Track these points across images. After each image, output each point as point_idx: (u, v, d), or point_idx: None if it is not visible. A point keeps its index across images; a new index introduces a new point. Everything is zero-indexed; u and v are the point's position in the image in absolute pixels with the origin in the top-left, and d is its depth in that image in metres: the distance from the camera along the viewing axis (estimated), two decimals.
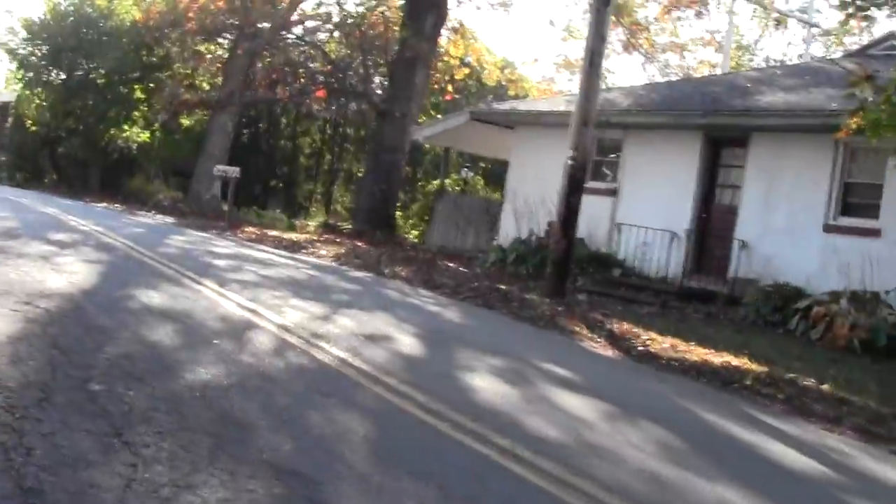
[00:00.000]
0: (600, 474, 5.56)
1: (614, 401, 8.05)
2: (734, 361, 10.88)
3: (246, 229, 24.77)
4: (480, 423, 6.24)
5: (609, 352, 11.28)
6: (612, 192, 20.21)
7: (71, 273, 10.12)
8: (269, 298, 10.78)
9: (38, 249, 11.70)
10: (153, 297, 9.56)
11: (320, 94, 36.37)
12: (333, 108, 41.67)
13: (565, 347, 11.39)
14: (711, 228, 18.74)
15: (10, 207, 18.70)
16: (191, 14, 34.56)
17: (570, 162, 15.52)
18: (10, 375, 5.63)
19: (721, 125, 18.73)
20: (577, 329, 12.47)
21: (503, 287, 15.75)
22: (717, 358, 11.01)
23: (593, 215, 18.52)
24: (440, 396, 6.89)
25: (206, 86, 40.57)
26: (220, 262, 14.53)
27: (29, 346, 6.43)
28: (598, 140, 19.67)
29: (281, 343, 8.23)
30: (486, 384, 7.81)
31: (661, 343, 11.74)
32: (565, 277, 15.71)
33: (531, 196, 21.55)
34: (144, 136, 43.77)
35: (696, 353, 11.28)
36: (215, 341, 7.81)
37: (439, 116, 35.28)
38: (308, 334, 8.73)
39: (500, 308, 13.77)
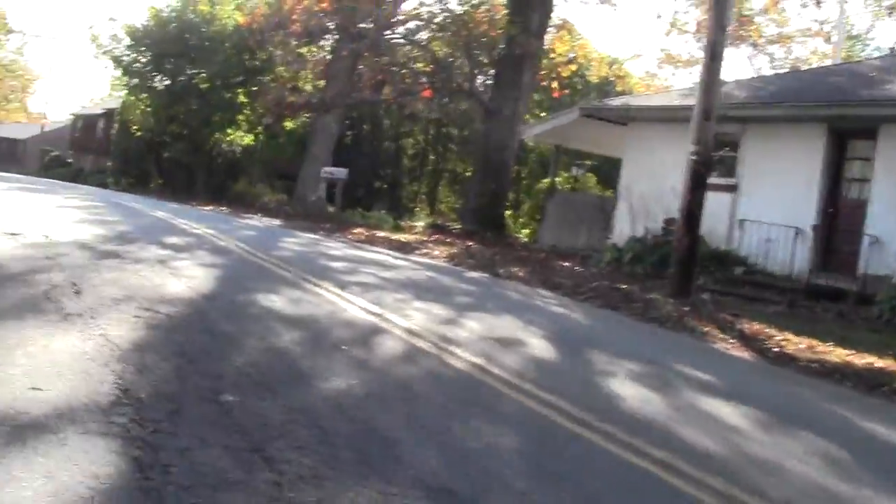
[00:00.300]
0: (771, 491, 5.24)
1: (763, 407, 7.70)
2: (878, 363, 10.45)
3: (354, 231, 24.97)
4: (634, 435, 5.99)
5: (743, 353, 10.96)
6: (731, 188, 19.84)
7: (189, 277, 10.14)
8: (392, 301, 10.62)
9: (154, 254, 11.83)
10: (275, 302, 9.49)
11: (427, 94, 36.54)
12: (437, 107, 41.85)
13: (698, 349, 11.11)
14: (839, 223, 18.24)
15: (122, 212, 19.16)
16: (295, 16, 35.05)
17: (692, 157, 15.26)
18: (140, 386, 5.54)
19: (847, 116, 18.22)
20: (707, 330, 12.21)
21: (624, 287, 15.49)
22: (860, 359, 10.60)
23: (711, 212, 17.92)
24: (586, 405, 6.64)
25: (308, 88, 41.18)
26: (336, 265, 14.48)
27: (155, 355, 6.36)
28: (714, 134, 19.21)
29: (411, 348, 8.03)
30: (629, 391, 7.56)
31: (797, 344, 11.39)
32: (690, 277, 15.41)
33: (646, 193, 21.40)
34: (248, 139, 44.68)
35: (836, 354, 10.88)
36: (344, 347, 7.63)
37: (543, 115, 35.08)
38: (437, 338, 8.54)
39: (624, 309, 13.55)
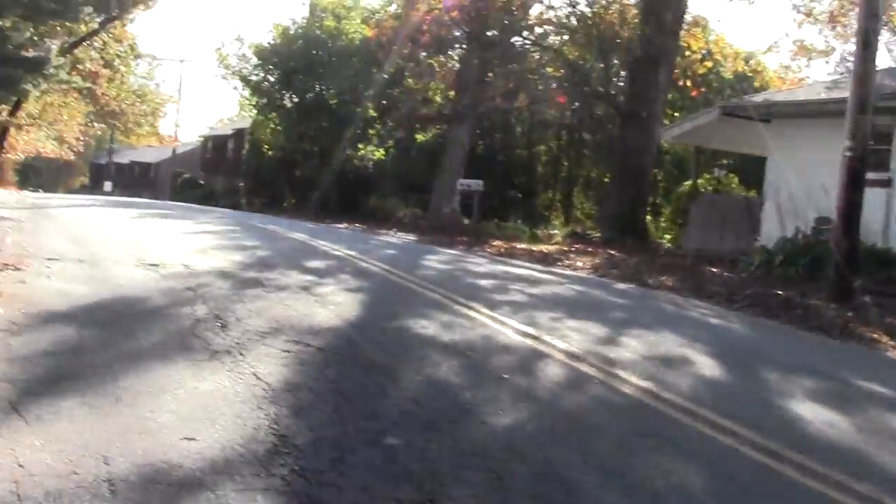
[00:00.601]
0: None
1: None
2: None
3: (492, 243, 24.82)
4: (828, 465, 5.60)
5: None
6: (885, 182, 19.03)
7: (336, 304, 10.00)
8: (545, 321, 10.26)
9: (297, 280, 11.77)
10: (426, 328, 9.24)
11: (560, 99, 36.24)
12: (568, 113, 41.45)
13: (872, 360, 10.60)
14: None
15: (259, 235, 19.37)
16: (424, 27, 35.27)
17: (847, 153, 14.71)
18: (297, 430, 5.34)
19: None
20: (875, 336, 11.70)
21: (780, 293, 14.91)
22: None
23: (864, 208, 17.14)
24: (769, 431, 6.26)
25: (438, 99, 41.35)
26: (483, 283, 14.18)
27: (309, 394, 6.16)
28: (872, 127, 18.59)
29: (574, 374, 7.65)
30: (811, 412, 7.13)
31: None
32: (850, 280, 14.73)
33: (794, 191, 20.76)
34: (379, 153, 45.13)
35: None
36: (505, 376, 7.30)
37: (677, 115, 34.28)
38: (600, 361, 8.17)
39: (783, 317, 13.04)
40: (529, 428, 5.93)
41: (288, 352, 7.38)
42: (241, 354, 7.11)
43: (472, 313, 10.41)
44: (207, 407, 5.64)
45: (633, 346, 9.29)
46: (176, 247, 14.55)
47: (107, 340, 7.18)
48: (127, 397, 5.66)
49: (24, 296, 8.51)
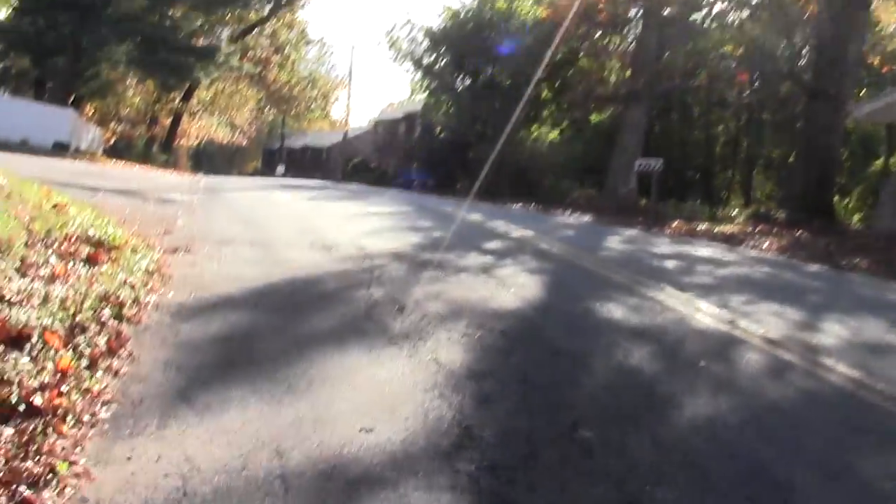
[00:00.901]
0: None
1: None
2: None
3: (671, 224, 24.44)
4: None
5: None
6: None
7: (517, 287, 9.71)
8: (738, 304, 9.79)
9: (476, 261, 11.53)
10: (613, 311, 8.84)
11: (742, 77, 35.16)
12: (746, 92, 40.11)
13: None
14: None
15: (434, 217, 19.28)
16: (601, 5, 34.81)
17: None
18: (483, 422, 5.04)
19: None
20: None
21: None
22: None
23: None
24: None
25: (612, 79, 40.72)
26: (667, 264, 13.72)
27: (494, 382, 5.87)
28: None
29: (775, 361, 7.14)
30: None
31: None
32: None
33: None
34: (553, 135, 44.74)
35: None
36: (701, 363, 6.85)
37: (862, 93, 32.68)
38: (801, 347, 7.69)
39: None
40: (733, 421, 5.48)
41: (470, 336, 7.11)
42: (421, 339, 6.87)
43: (659, 296, 9.95)
44: (386, 396, 5.41)
45: (834, 331, 8.75)
46: (349, 228, 14.52)
47: (279, 325, 7.05)
48: (301, 385, 5.48)
49: (195, 279, 8.51)
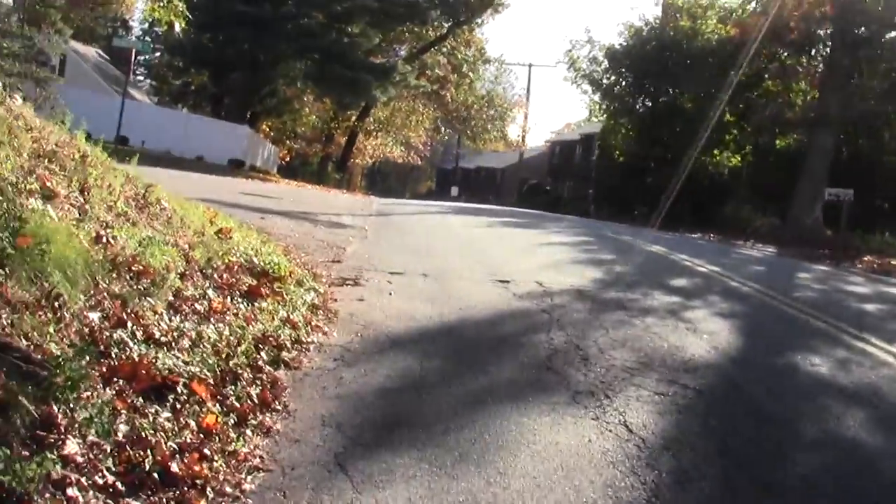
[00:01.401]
0: None
1: None
2: None
3: (863, 259, 23.12)
4: None
5: None
6: None
7: (709, 333, 8.92)
8: None
9: (662, 301, 10.75)
10: (818, 365, 7.95)
11: None
12: None
13: None
14: None
15: (614, 247, 18.51)
16: (792, 23, 33.44)
17: None
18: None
19: None
20: None
21: None
22: None
23: None
24: None
25: (799, 102, 39.03)
26: (869, 307, 12.67)
27: (693, 455, 5.16)
28: None
29: None
30: None
31: None
32: None
33: None
34: (734, 160, 43.22)
35: None
36: None
37: None
38: None
39: None
40: None
41: (662, 395, 6.43)
42: (608, 397, 6.23)
43: (868, 348, 9.01)
44: (570, 470, 4.79)
45: None
46: (526, 260, 13.92)
47: (452, 374, 6.53)
48: (474, 453, 4.90)
49: (362, 316, 8.10)
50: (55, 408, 3.96)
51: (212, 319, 6.29)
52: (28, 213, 5.47)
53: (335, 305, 8.41)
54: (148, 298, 5.90)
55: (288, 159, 62.41)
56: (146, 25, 67.88)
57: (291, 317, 7.18)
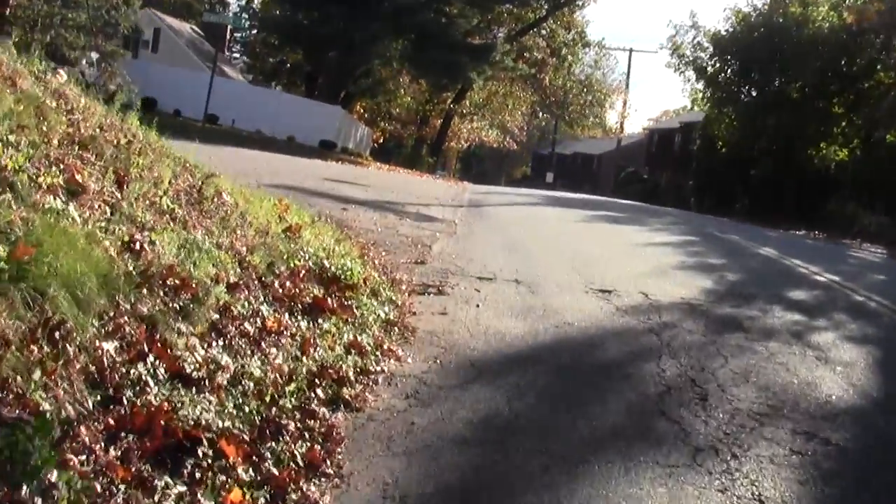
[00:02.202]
0: None
1: None
2: None
3: None
4: None
5: None
6: None
7: (843, 365, 7.63)
8: None
9: (783, 320, 9.38)
10: None
11: None
12: None
13: None
14: None
15: (721, 249, 17.06)
16: None
17: None
18: None
19: None
20: None
21: None
22: None
23: None
24: None
25: None
26: None
27: None
28: None
29: None
30: None
31: None
32: None
33: None
34: (842, 154, 41.30)
35: None
36: None
37: None
38: None
39: None
40: None
41: (800, 454, 5.28)
42: (735, 457, 5.10)
43: None
44: None
45: None
46: (628, 264, 12.54)
47: (546, 420, 5.42)
48: None
49: (443, 335, 7.02)
50: (25, 490, 3.00)
51: (263, 343, 5.31)
52: (39, 214, 4.53)
53: (414, 320, 7.36)
54: (183, 320, 4.93)
55: (381, 141, 61.70)
56: (243, 2, 67.70)
57: (359, 339, 6.16)
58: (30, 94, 6.03)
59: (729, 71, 44.79)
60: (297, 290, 6.59)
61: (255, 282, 6.32)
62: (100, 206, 5.38)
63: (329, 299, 6.72)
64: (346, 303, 6.87)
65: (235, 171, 16.79)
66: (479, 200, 22.80)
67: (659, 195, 50.95)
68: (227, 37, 57.14)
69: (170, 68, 40.95)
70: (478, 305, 8.30)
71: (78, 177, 5.43)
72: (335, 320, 6.34)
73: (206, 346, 4.87)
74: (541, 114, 73.31)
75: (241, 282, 6.07)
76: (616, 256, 13.30)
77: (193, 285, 5.28)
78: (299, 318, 6.14)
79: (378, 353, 6.14)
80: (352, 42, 41.19)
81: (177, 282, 5.19)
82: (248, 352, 5.11)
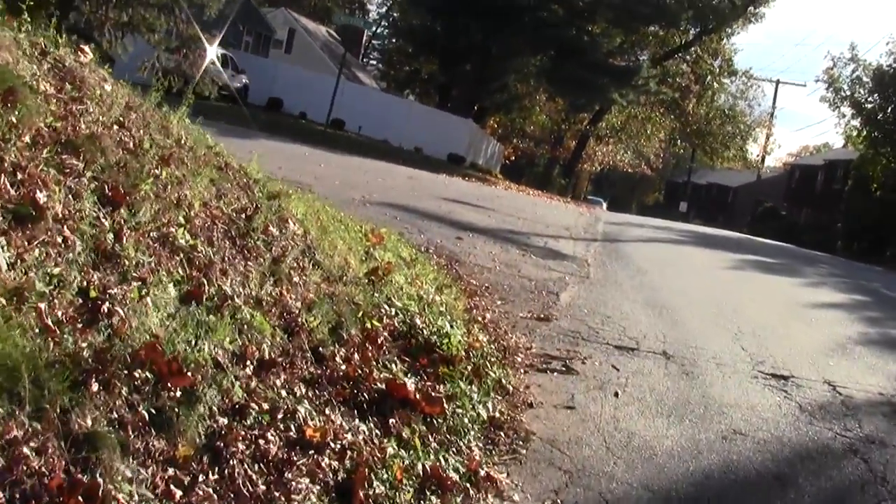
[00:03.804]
0: None
1: None
2: None
3: None
4: None
5: None
6: None
7: None
8: None
9: None
10: None
11: None
12: None
13: None
14: None
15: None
16: None
17: None
18: None
19: None
20: None
21: None
22: None
23: None
24: None
25: None
26: None
27: None
28: None
29: None
30: None
31: None
32: None
33: None
34: None
35: None
36: None
37: None
38: None
39: None
40: None
41: None
42: None
43: None
44: None
45: None
46: (799, 333, 10.09)
47: None
48: None
49: (569, 446, 4.89)
50: None
51: (289, 472, 3.34)
52: None
53: (529, 417, 5.27)
54: (156, 435, 2.99)
55: (513, 159, 59.79)
56: (383, 10, 66.68)
57: (444, 462, 4.12)
58: (3, 71, 4.20)
59: (889, 109, 41.41)
60: (366, 368, 4.60)
61: (306, 356, 4.35)
62: (65, 241, 3.49)
63: (410, 384, 4.70)
64: (435, 390, 4.83)
65: (343, 184, 14.98)
66: (615, 234, 20.23)
67: (798, 234, 47.80)
68: (363, 43, 56.07)
69: (300, 70, 39.80)
70: (616, 394, 6.12)
71: (41, 194, 3.55)
72: (413, 427, 4.30)
73: (188, 478, 2.92)
74: (679, 141, 70.06)
75: (280, 358, 4.11)
76: (782, 322, 10.75)
77: (188, 375, 3.34)
78: (360, 417, 4.14)
79: (470, 482, 4.07)
80: (489, 55, 39.46)
81: (164, 367, 3.26)
82: (261, 492, 3.14)
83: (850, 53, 43.78)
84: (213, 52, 28.16)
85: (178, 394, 3.28)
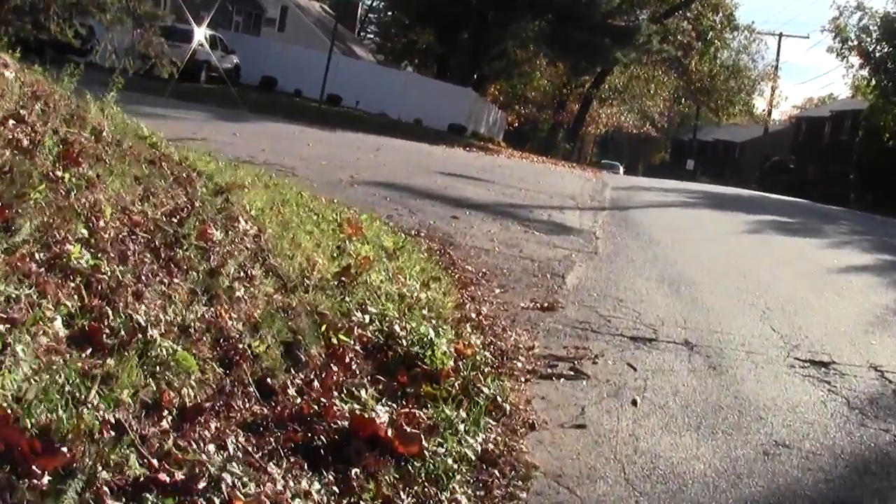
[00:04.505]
0: None
1: None
2: None
3: None
4: None
5: None
6: None
7: None
8: None
9: None
10: None
11: None
12: None
13: None
14: None
15: None
16: None
17: None
18: None
19: None
20: None
21: None
22: None
23: None
24: None
25: None
26: None
27: None
28: None
29: None
30: None
31: None
32: None
33: None
34: None
35: None
36: None
37: None
38: None
39: None
40: None
41: None
42: None
43: None
44: None
45: None
46: (832, 306, 9.09)
47: None
48: None
49: (579, 483, 3.99)
50: None
51: None
52: None
53: (530, 444, 4.36)
54: None
55: (516, 125, 58.74)
56: None
57: None
58: None
59: None
60: (326, 400, 3.71)
61: (248, 392, 3.47)
62: None
63: (382, 416, 3.80)
64: (414, 419, 3.93)
65: (331, 163, 14.04)
66: (623, 200, 19.07)
67: (806, 188, 46.92)
68: (359, 16, 54.95)
69: (293, 47, 38.84)
70: (634, 402, 5.17)
71: None
72: (381, 472, 3.40)
73: None
74: (683, 99, 68.80)
75: (209, 402, 3.23)
76: (811, 292, 9.72)
77: (62, 447, 2.46)
78: (313, 469, 3.26)
79: None
80: (486, 22, 38.37)
81: (19, 447, 2.39)
82: None
83: (856, 2, 42.70)
84: (200, 33, 27.31)
85: (46, 480, 2.40)
